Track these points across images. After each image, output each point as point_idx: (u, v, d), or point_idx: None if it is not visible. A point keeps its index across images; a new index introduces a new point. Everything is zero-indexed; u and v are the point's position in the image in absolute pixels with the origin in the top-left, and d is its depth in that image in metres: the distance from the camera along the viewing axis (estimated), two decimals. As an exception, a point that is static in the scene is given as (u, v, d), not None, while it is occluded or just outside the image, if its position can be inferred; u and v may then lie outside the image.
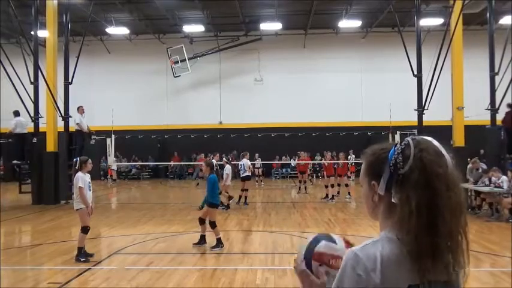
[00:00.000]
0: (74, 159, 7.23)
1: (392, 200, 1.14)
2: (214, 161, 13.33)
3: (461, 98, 13.75)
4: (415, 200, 1.09)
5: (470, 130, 13.90)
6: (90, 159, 7.18)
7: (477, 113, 13.88)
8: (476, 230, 9.49)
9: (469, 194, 11.82)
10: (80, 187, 6.77)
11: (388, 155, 1.18)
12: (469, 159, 13.51)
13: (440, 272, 1.11)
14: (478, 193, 11.38)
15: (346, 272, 1.11)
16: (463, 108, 13.68)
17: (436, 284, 1.11)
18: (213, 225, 7.70)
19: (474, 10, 17.99)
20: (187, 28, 22.42)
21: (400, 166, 1.14)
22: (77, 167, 6.91)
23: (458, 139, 13.55)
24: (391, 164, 1.15)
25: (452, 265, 1.12)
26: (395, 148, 1.17)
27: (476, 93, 15.73)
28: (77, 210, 6.92)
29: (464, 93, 13.79)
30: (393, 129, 18.72)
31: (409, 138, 1.17)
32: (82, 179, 6.83)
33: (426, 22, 19.52)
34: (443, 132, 16.61)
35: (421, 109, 14.43)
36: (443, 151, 1.16)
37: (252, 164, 20.74)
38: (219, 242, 7.65)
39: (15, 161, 14.56)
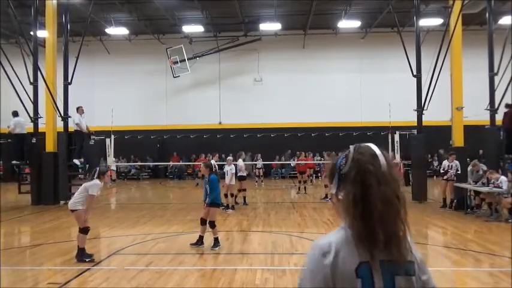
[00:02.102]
0: (94, 170, 7.22)
1: (339, 197, 1.37)
2: (213, 161, 13.45)
3: (460, 98, 13.75)
4: (352, 193, 1.32)
5: (470, 130, 13.90)
6: (109, 172, 7.27)
7: (476, 113, 13.88)
8: (476, 230, 9.50)
9: (469, 194, 11.85)
10: (93, 195, 6.84)
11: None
12: (468, 159, 13.51)
13: (388, 252, 1.30)
14: (477, 193, 11.41)
15: (309, 257, 1.36)
16: (462, 108, 13.68)
17: (386, 262, 1.30)
18: (212, 224, 7.73)
19: (473, 10, 18.01)
20: (187, 28, 22.41)
21: (342, 167, 1.38)
22: (95, 177, 6.91)
23: (458, 139, 13.55)
24: (337, 167, 1.39)
25: (398, 247, 1.31)
26: (343, 155, 1.41)
27: (475, 94, 15.73)
28: (73, 211, 6.90)
29: (463, 93, 13.79)
30: (392, 129, 18.73)
31: (352, 146, 1.42)
32: (98, 187, 6.92)
33: (425, 22, 19.54)
34: (442, 132, 16.70)
35: (420, 109, 14.43)
36: (380, 155, 1.37)
37: (253, 164, 20.84)
38: (216, 242, 7.69)
39: (14, 161, 14.55)
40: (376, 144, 1.41)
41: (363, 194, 1.30)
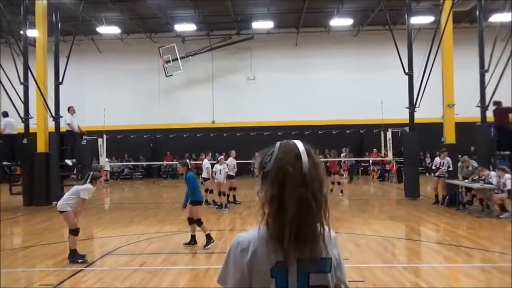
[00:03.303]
0: (87, 174, 7.15)
1: (261, 194, 1.37)
2: (206, 161, 13.42)
3: (451, 95, 13.86)
4: (270, 192, 1.33)
5: (461, 127, 14.02)
6: (102, 178, 7.19)
7: (467, 110, 14.00)
8: (467, 226, 9.59)
9: (460, 190, 11.96)
10: (84, 199, 6.77)
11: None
12: (459, 156, 13.62)
13: (307, 252, 1.30)
14: (468, 189, 11.51)
15: (230, 252, 1.38)
16: (453, 105, 13.79)
17: (301, 261, 1.31)
18: (198, 222, 7.70)
19: (464, 8, 18.15)
20: (179, 27, 22.33)
21: (265, 165, 1.37)
22: (88, 181, 6.85)
23: (449, 136, 13.66)
24: (263, 164, 1.38)
25: (310, 246, 1.31)
26: (269, 152, 1.39)
27: (466, 91, 15.86)
28: (62, 212, 6.84)
29: (454, 90, 13.90)
30: (385, 126, 18.84)
31: (278, 142, 1.40)
32: (90, 192, 6.86)
33: (417, 20, 19.64)
34: (434, 129, 16.81)
35: (412, 107, 14.53)
36: (304, 154, 1.35)
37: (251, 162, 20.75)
38: (208, 239, 7.66)
39: (5, 162, 14.40)
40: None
41: (279, 193, 1.31)
